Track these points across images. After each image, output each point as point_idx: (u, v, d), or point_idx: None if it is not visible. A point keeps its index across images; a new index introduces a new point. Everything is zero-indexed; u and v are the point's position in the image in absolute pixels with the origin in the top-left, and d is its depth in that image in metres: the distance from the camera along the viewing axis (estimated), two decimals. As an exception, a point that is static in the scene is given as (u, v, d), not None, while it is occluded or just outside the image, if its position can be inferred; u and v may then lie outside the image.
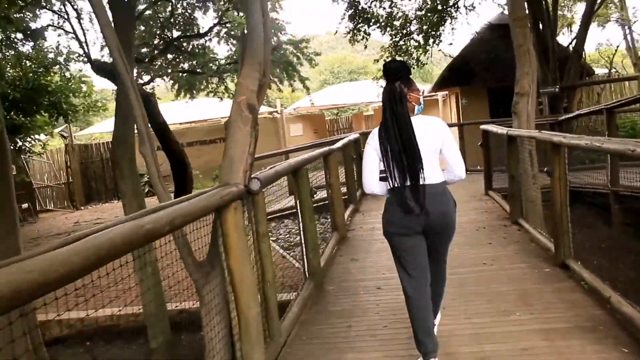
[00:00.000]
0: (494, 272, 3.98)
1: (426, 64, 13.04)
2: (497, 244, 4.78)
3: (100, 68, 8.38)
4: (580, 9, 15.25)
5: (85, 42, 8.81)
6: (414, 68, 12.61)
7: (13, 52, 9.26)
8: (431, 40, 12.10)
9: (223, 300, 2.64)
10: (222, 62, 11.88)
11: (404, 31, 12.13)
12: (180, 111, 16.36)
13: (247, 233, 2.64)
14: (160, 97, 11.37)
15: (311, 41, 13.21)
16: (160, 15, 10.62)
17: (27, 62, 9.35)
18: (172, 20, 10.51)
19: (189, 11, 10.72)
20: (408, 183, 2.40)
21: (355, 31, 11.77)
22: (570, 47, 11.74)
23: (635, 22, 17.71)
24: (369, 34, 11.99)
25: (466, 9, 11.95)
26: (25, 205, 13.39)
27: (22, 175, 12.36)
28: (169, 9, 10.42)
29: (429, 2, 11.81)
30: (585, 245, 5.76)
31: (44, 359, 4.66)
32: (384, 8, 11.78)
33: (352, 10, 11.54)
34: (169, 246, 2.86)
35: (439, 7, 11.71)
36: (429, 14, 11.79)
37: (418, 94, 2.50)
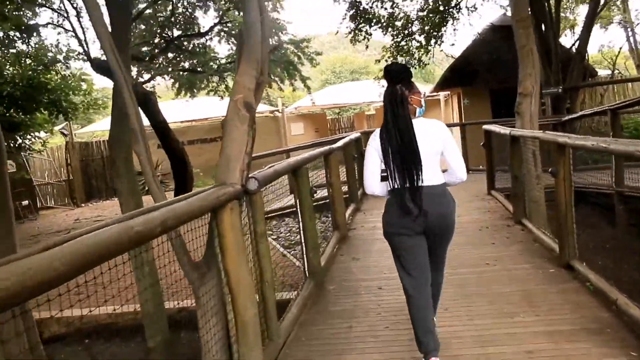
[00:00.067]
0: (497, 272, 3.91)
1: (428, 64, 13.02)
2: (500, 243, 4.71)
3: (99, 66, 8.35)
4: (582, 10, 15.25)
5: (85, 40, 8.80)
6: (415, 68, 12.57)
7: (12, 50, 9.23)
8: (433, 41, 12.07)
9: (220, 301, 2.59)
10: (223, 61, 11.85)
11: (406, 32, 12.10)
12: (181, 110, 16.34)
13: (244, 233, 2.59)
14: (160, 96, 11.31)
15: (312, 41, 13.16)
16: (161, 15, 10.59)
17: (27, 60, 9.32)
18: (172, 19, 10.48)
19: (190, 10, 10.70)
20: (407, 185, 2.41)
21: (356, 31, 11.73)
22: (573, 49, 11.69)
23: (638, 24, 17.69)
24: (371, 34, 11.95)
25: (468, 10, 11.93)
26: (25, 202, 13.36)
27: (22, 172, 12.34)
28: (170, 8, 10.39)
29: (431, 3, 11.77)
30: (589, 245, 5.71)
31: (42, 357, 4.61)
32: (386, 8, 11.74)
33: (354, 10, 11.49)
34: (167, 245, 2.81)
35: (441, 8, 11.67)
36: (430, 15, 11.75)
37: (419, 96, 2.52)
